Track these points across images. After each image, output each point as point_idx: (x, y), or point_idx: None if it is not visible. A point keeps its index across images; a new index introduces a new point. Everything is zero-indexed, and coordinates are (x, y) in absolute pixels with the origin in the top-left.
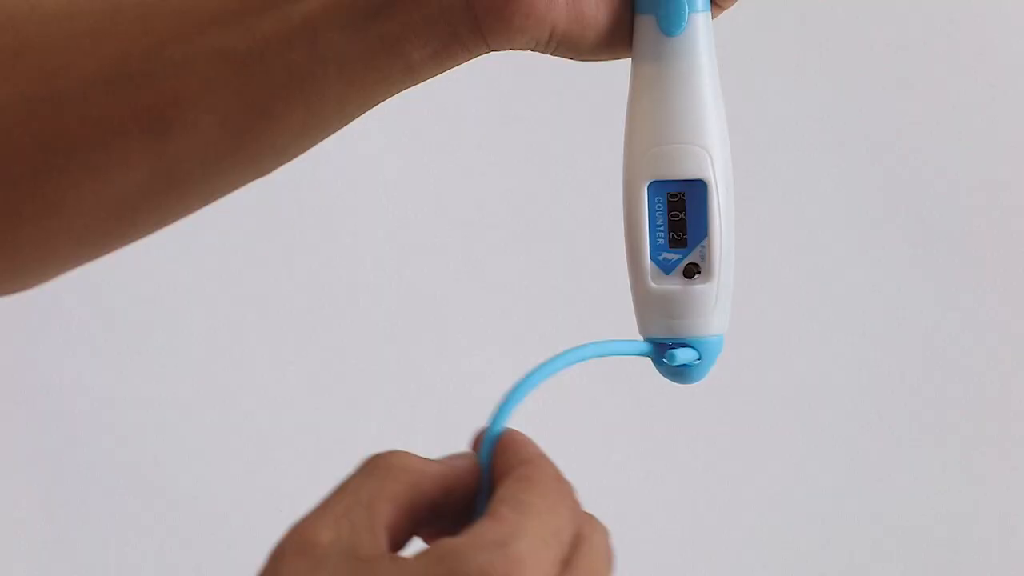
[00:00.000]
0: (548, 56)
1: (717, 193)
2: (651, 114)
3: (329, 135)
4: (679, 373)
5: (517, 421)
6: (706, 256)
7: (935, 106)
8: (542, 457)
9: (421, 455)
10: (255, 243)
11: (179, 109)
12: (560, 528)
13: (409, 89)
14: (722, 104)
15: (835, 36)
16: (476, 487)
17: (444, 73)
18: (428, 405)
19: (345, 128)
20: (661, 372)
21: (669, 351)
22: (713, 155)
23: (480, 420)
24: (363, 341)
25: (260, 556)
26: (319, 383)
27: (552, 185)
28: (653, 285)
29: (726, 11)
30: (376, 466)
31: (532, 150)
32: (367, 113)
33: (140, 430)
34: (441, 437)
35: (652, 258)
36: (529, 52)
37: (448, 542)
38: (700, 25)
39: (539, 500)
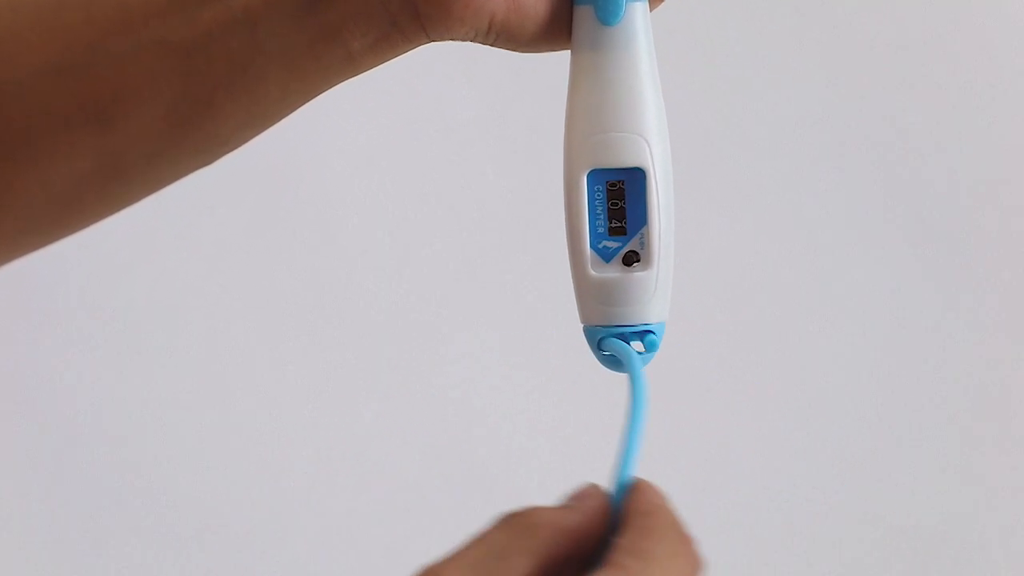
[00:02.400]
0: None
1: (656, 181)
2: (589, 103)
3: (272, 125)
4: (617, 361)
5: (523, 419)
6: (645, 244)
7: (935, 106)
8: (662, 508)
9: (553, 506)
10: (254, 244)
11: (122, 100)
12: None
13: (408, 89)
14: (660, 93)
15: (835, 36)
16: (603, 534)
17: (435, 70)
18: (428, 405)
19: (344, 128)
20: (600, 359)
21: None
22: (651, 143)
23: (477, 420)
24: (362, 341)
25: (260, 556)
26: (319, 383)
27: (551, 185)
28: (592, 273)
29: (700, 9)
30: (514, 522)
31: (531, 149)
32: (366, 113)
33: (140, 430)
34: (440, 437)
35: (592, 246)
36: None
37: None
38: (638, 14)
39: (659, 548)
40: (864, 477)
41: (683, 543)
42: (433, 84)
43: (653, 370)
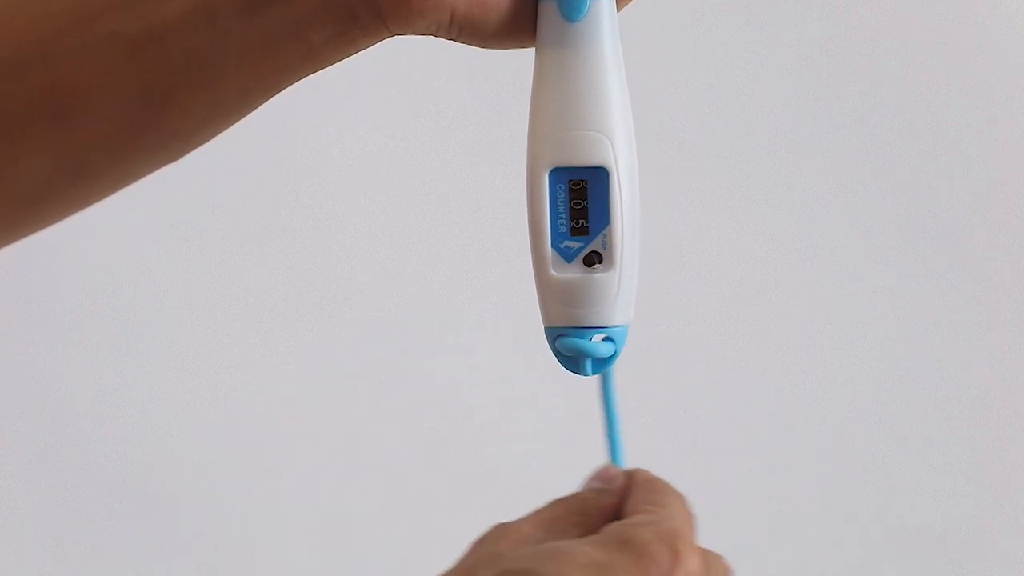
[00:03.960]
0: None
1: (619, 181)
2: (553, 100)
3: (235, 121)
4: (576, 364)
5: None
6: (608, 245)
7: (935, 106)
8: (658, 477)
9: (593, 491)
10: (253, 244)
11: (80, 96)
12: (689, 514)
13: (410, 86)
14: (626, 91)
15: (835, 36)
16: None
17: (435, 68)
18: (428, 404)
19: (344, 126)
20: (560, 362)
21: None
22: (615, 142)
23: (476, 417)
24: (362, 340)
25: (260, 555)
26: (318, 383)
27: None
28: (554, 273)
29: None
30: (569, 502)
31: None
32: (366, 112)
33: (140, 430)
34: (441, 436)
35: (553, 246)
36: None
37: (616, 525)
38: (603, 11)
39: (667, 499)
40: (864, 477)
41: (680, 497)
42: (432, 83)
43: (654, 371)
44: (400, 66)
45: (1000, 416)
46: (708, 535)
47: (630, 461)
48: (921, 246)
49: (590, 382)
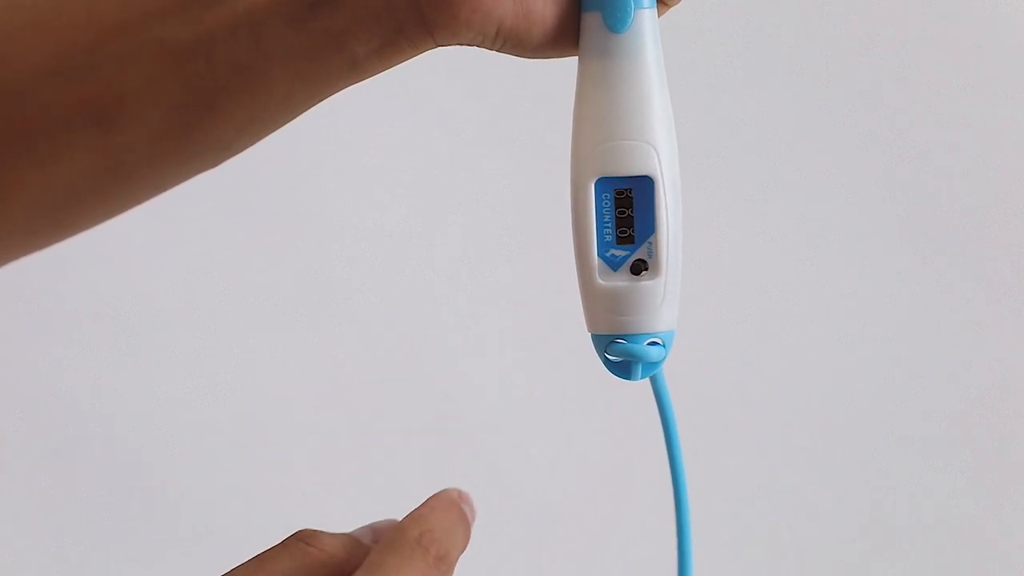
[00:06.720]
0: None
1: (664, 189)
2: (597, 111)
3: (276, 129)
4: (626, 368)
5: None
6: (653, 252)
7: (936, 106)
8: (418, 518)
9: (342, 536)
10: (254, 243)
11: (124, 102)
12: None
13: (410, 85)
14: (668, 100)
15: (835, 36)
16: None
17: (443, 70)
18: (427, 403)
19: (345, 125)
20: (608, 367)
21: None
22: (659, 151)
23: (478, 418)
24: (363, 342)
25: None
26: (320, 383)
27: (557, 188)
28: (600, 282)
29: (709, 13)
30: (295, 546)
31: (537, 150)
32: (367, 111)
33: (140, 430)
34: (439, 435)
35: (599, 255)
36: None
37: None
38: (646, 22)
39: (391, 559)
40: (864, 477)
41: (417, 556)
42: (433, 81)
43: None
44: (409, 64)
45: (1000, 416)
46: (707, 534)
47: (626, 459)
48: (922, 246)
49: (591, 382)
